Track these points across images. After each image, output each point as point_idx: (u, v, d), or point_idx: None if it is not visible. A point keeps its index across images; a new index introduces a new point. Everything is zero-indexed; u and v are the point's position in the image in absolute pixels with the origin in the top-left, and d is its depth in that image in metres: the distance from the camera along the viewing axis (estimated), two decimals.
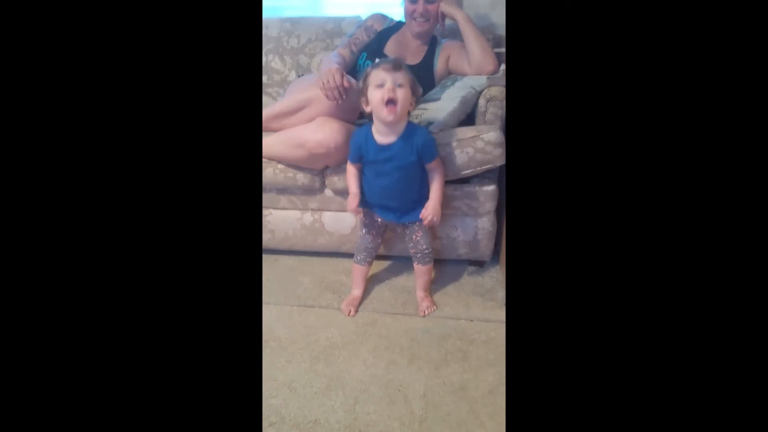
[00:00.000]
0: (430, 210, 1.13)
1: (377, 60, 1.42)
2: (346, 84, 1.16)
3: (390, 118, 1.05)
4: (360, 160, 1.15)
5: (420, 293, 1.24)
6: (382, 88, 1.04)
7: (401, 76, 1.04)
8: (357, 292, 1.27)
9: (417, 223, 1.19)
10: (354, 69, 1.48)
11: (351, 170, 1.18)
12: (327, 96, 1.17)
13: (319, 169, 1.30)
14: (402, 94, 1.04)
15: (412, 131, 1.10)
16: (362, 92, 1.09)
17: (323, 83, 1.17)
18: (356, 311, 1.23)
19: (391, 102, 1.03)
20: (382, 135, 1.10)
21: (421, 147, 1.10)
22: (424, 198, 1.15)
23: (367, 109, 1.09)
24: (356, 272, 1.27)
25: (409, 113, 1.11)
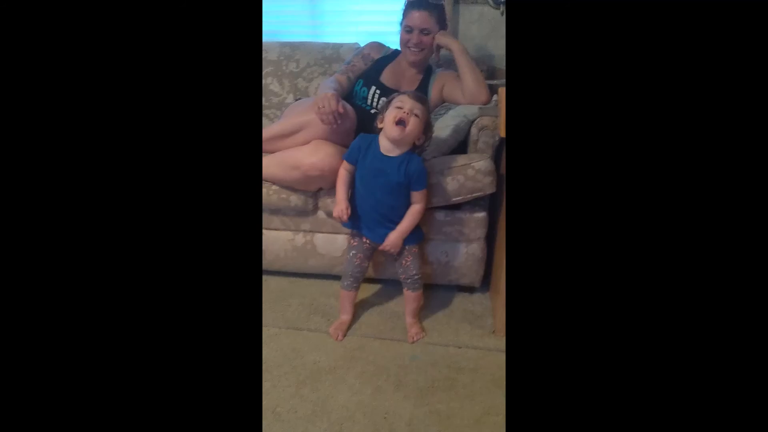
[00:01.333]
0: (391, 240, 1.16)
1: (381, 101, 1.46)
2: (341, 109, 1.19)
3: (395, 134, 1.09)
4: (355, 163, 1.17)
5: (409, 319, 1.24)
6: (399, 109, 1.10)
7: (420, 109, 1.11)
8: (345, 317, 1.26)
9: (406, 248, 1.20)
10: (350, 95, 1.52)
11: (342, 174, 1.19)
12: (322, 120, 1.20)
13: (312, 191, 1.31)
14: (413, 122, 1.09)
15: (410, 158, 1.14)
16: (381, 111, 1.15)
17: (318, 107, 1.19)
18: (344, 336, 1.22)
19: (401, 122, 1.08)
20: (384, 148, 1.14)
21: (412, 173, 1.13)
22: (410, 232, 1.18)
23: (379, 125, 1.14)
24: (344, 298, 1.26)
25: (414, 146, 1.15)
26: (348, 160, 1.18)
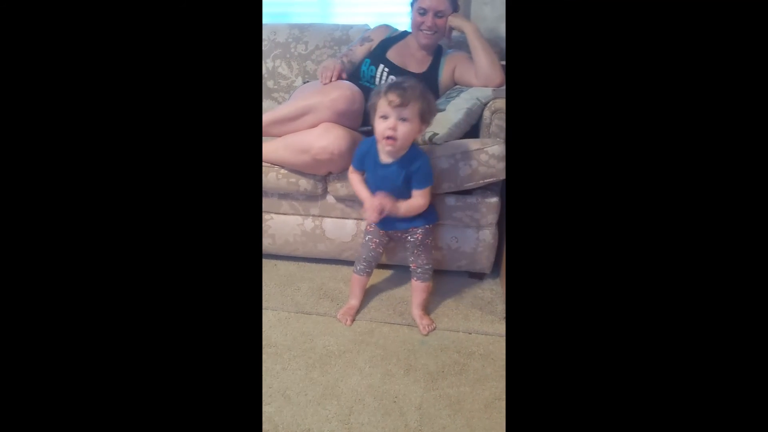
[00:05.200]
0: (386, 201, 1.06)
1: (389, 79, 1.44)
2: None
3: (388, 149, 1.06)
4: (362, 168, 1.15)
5: (417, 311, 1.21)
6: (385, 119, 1.02)
7: (408, 111, 1.01)
8: (354, 302, 1.25)
9: (421, 233, 1.18)
10: (357, 76, 1.49)
11: (356, 178, 1.17)
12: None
13: (322, 175, 1.30)
14: (404, 130, 1.02)
15: (411, 158, 1.08)
16: (370, 113, 1.07)
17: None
18: (352, 321, 1.22)
19: (390, 137, 1.02)
20: (383, 158, 1.11)
21: (413, 172, 1.08)
22: (423, 213, 1.14)
23: (375, 133, 1.08)
24: (355, 282, 1.26)
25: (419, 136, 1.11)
26: (356, 168, 1.16)
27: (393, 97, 1.00)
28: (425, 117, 1.04)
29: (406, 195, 1.12)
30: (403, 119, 1.02)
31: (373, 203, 1.07)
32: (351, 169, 1.18)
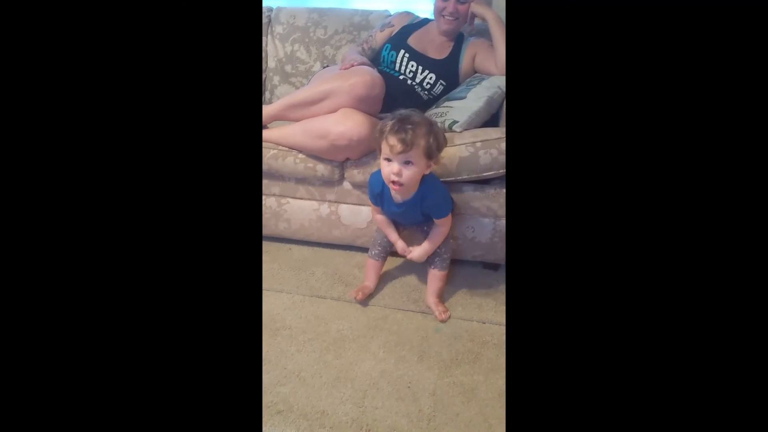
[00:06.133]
0: (417, 252, 1.17)
1: (410, 66, 1.44)
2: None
3: (395, 193, 1.06)
4: (379, 205, 1.16)
5: (432, 299, 1.21)
6: (389, 162, 1.00)
7: (412, 154, 0.97)
8: (368, 283, 1.26)
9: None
10: (377, 62, 1.48)
11: (381, 219, 1.20)
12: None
13: (339, 160, 1.29)
14: (409, 174, 1.00)
15: (424, 193, 1.06)
16: (378, 141, 1.03)
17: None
18: (363, 297, 1.22)
19: (396, 183, 1.01)
20: (395, 197, 1.10)
21: (429, 208, 1.10)
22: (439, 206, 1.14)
23: (382, 173, 1.06)
24: (369, 267, 1.26)
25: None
26: (374, 204, 1.17)
27: (395, 143, 0.97)
28: (432, 154, 1.01)
29: (425, 222, 1.17)
30: (407, 162, 0.99)
31: (404, 249, 1.19)
32: (373, 208, 1.20)
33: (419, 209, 1.10)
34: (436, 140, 1.00)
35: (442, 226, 1.15)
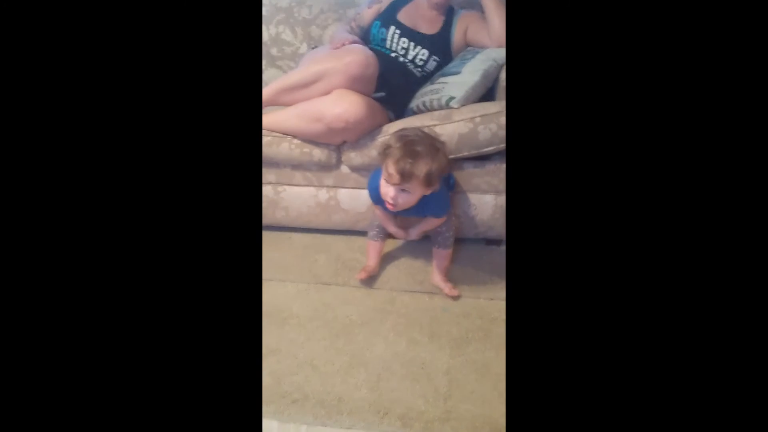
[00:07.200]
0: (412, 232, 1.19)
1: (401, 42, 1.40)
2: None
3: (392, 210, 1.05)
4: (380, 203, 1.14)
5: (439, 278, 1.20)
6: (387, 183, 1.00)
7: (411, 185, 0.97)
8: (371, 263, 1.25)
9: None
10: (367, 39, 1.44)
11: (380, 214, 1.19)
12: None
13: (336, 144, 1.26)
14: (405, 200, 1.00)
15: (427, 200, 1.05)
16: (380, 157, 1.02)
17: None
18: (366, 275, 1.22)
19: (391, 204, 1.02)
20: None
21: (429, 211, 1.12)
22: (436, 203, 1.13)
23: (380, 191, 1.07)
24: (370, 248, 1.26)
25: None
26: (375, 202, 1.16)
27: (393, 173, 0.96)
28: (432, 182, 0.98)
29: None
30: (404, 191, 0.99)
31: (399, 232, 1.21)
32: (374, 205, 1.18)
33: (421, 213, 1.13)
34: (439, 167, 0.98)
35: (437, 220, 1.16)
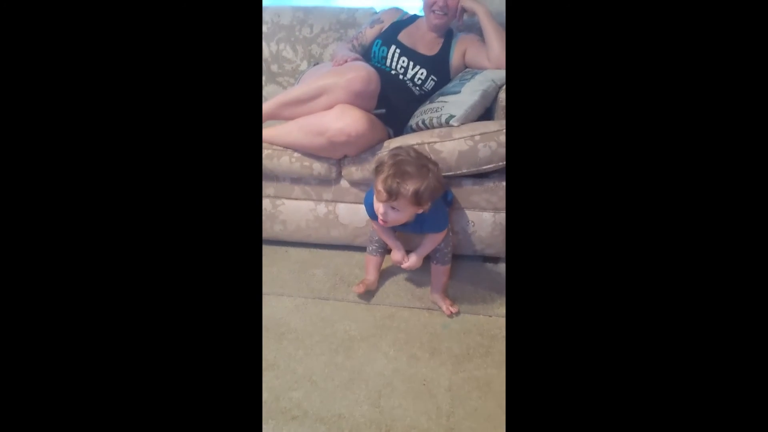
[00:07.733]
0: (412, 261, 1.15)
1: (401, 61, 1.43)
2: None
3: (381, 224, 1.06)
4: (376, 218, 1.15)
5: (437, 295, 1.20)
6: (379, 201, 1.01)
7: (399, 203, 0.98)
8: (370, 277, 1.24)
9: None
10: (368, 57, 1.47)
11: (378, 229, 1.18)
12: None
13: (337, 158, 1.27)
14: (395, 217, 1.01)
15: (424, 217, 1.05)
16: (373, 175, 1.04)
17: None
18: (364, 289, 1.20)
19: (382, 220, 1.03)
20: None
21: (426, 228, 1.12)
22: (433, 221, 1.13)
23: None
24: (369, 262, 1.25)
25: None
26: (373, 219, 1.15)
27: (380, 190, 0.97)
28: (421, 202, 0.98)
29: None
30: (393, 208, 1.00)
31: (396, 255, 1.18)
32: (372, 221, 1.18)
33: (419, 230, 1.13)
34: (428, 187, 0.97)
35: (437, 236, 1.15)
